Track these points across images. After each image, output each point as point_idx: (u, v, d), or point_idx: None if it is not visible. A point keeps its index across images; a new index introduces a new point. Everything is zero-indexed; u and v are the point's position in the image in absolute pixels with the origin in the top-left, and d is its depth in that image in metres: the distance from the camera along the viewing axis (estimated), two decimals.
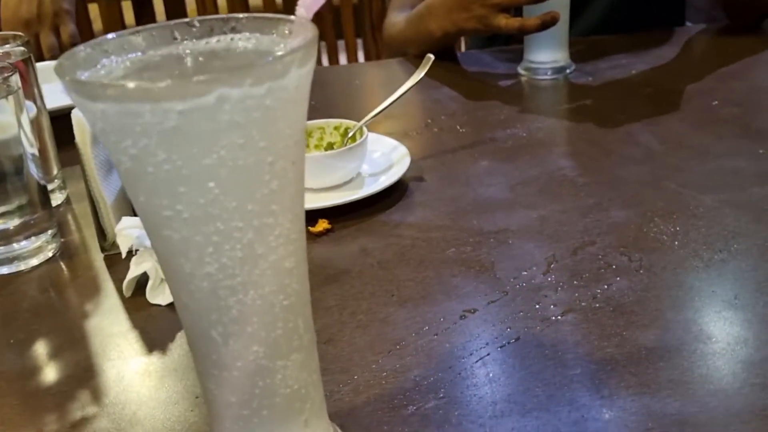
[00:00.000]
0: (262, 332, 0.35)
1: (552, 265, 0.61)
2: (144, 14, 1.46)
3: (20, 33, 0.74)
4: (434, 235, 0.67)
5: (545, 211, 0.70)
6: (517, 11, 1.03)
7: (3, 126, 0.60)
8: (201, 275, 0.33)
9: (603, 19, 1.24)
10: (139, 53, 0.34)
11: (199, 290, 0.34)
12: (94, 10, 1.49)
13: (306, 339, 0.38)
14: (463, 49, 1.52)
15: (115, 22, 1.47)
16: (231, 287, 0.34)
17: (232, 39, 0.36)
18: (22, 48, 0.71)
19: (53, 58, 1.14)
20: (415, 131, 0.89)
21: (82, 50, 0.33)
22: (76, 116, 0.62)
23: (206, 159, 0.30)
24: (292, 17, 0.34)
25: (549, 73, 1.04)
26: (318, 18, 2.15)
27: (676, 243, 0.62)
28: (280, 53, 0.31)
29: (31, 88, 0.70)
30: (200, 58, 0.35)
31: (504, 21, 0.99)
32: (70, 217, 0.76)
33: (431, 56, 0.83)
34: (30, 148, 0.63)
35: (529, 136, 0.87)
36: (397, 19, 1.25)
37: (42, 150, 0.73)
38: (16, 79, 0.61)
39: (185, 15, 1.47)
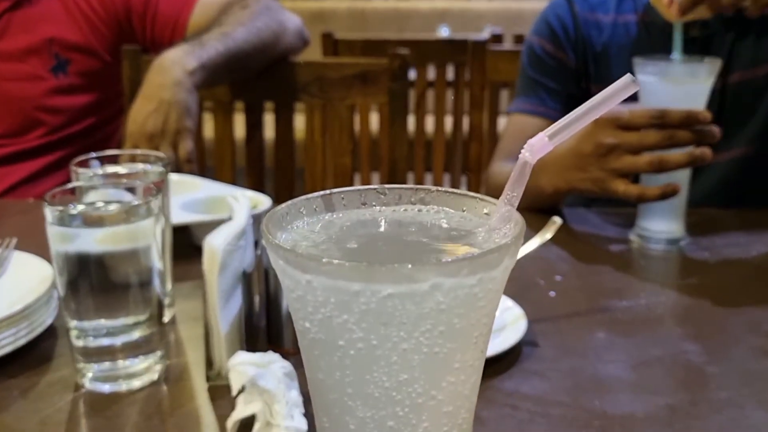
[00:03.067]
0: None
1: None
2: (254, 132, 1.53)
3: (162, 154, 0.76)
4: (553, 411, 0.63)
5: (673, 399, 0.65)
6: (635, 177, 1.01)
7: (138, 235, 0.61)
8: None
9: (715, 189, 1.21)
10: (330, 214, 0.34)
11: None
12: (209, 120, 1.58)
13: None
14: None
15: (228, 136, 1.54)
16: None
17: (419, 210, 0.35)
18: (161, 169, 0.73)
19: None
20: (529, 291, 0.86)
21: (281, 209, 0.32)
22: (209, 244, 0.62)
23: (404, 344, 0.28)
24: (492, 199, 0.33)
25: (663, 244, 1.01)
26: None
27: None
28: (492, 245, 0.30)
29: (164, 207, 0.71)
30: (387, 226, 0.34)
31: (623, 187, 0.97)
32: (173, 337, 0.75)
33: (558, 220, 0.82)
34: (158, 263, 0.63)
35: (646, 309, 0.83)
36: (503, 168, 1.25)
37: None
38: (158, 203, 0.62)
39: (293, 140, 1.52)
